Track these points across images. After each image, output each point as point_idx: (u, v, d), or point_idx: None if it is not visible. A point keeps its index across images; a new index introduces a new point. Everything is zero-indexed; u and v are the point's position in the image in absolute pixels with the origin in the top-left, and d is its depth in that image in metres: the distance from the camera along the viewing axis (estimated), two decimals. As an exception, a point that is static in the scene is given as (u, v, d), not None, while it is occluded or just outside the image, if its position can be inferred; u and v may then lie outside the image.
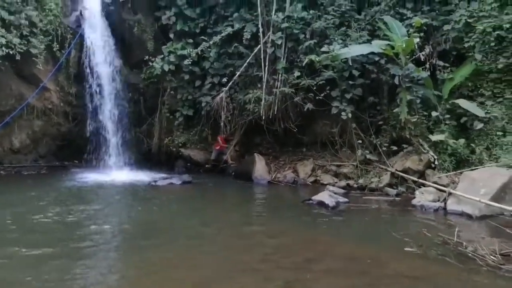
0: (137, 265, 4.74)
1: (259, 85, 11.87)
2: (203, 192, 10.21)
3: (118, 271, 4.62)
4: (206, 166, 13.42)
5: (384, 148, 10.38)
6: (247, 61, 12.03)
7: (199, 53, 12.94)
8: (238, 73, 12.21)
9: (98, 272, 4.53)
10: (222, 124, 12.35)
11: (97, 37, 12.57)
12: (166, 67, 13.09)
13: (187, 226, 6.71)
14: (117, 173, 12.29)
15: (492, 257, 5.01)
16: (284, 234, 6.27)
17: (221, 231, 6.40)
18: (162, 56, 13.20)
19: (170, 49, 13.10)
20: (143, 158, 14.20)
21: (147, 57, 13.10)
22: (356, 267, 4.83)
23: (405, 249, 5.40)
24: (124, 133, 13.67)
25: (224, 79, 12.45)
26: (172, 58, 13.09)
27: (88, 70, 12.46)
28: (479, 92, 9.80)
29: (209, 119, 13.02)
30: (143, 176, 11.90)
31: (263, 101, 11.39)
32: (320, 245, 5.79)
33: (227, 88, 12.25)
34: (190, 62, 12.84)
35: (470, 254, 5.14)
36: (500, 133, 9.04)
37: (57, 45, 11.74)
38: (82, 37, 12.36)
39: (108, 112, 13.12)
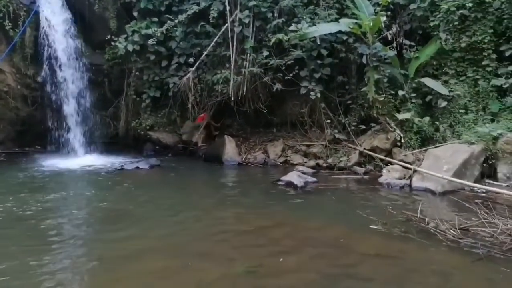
0: (99, 262, 4.49)
1: (227, 65, 11.66)
2: (171, 175, 10.02)
3: (80, 270, 4.35)
4: (180, 146, 13.21)
5: (352, 127, 10.48)
6: (215, 40, 11.76)
7: (165, 32, 12.56)
8: (205, 53, 11.94)
9: (56, 271, 4.23)
10: (190, 105, 12.10)
11: (54, 14, 11.89)
12: (130, 47, 12.66)
13: (154, 212, 6.48)
14: (81, 158, 11.91)
15: (452, 231, 5.15)
16: (252, 216, 6.24)
17: (188, 216, 6.25)
18: (126, 35, 12.75)
19: (134, 28, 12.65)
20: (110, 142, 13.81)
21: (109, 36, 12.62)
22: (321, 248, 4.86)
23: (370, 227, 5.47)
24: (89, 117, 13.23)
25: (191, 59, 12.16)
26: (136, 37, 12.66)
27: (45, 51, 11.80)
28: (443, 70, 9.94)
29: (177, 100, 12.77)
30: (109, 161, 11.56)
31: (231, 81, 11.21)
32: (287, 226, 5.78)
33: (194, 68, 11.97)
34: (155, 42, 12.44)
35: (432, 230, 5.25)
36: (462, 111, 9.25)
37: (10, 23, 11.06)
38: (37, 14, 11.65)
39: (70, 95, 12.59)
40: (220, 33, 11.65)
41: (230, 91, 11.22)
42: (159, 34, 12.51)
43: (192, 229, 5.61)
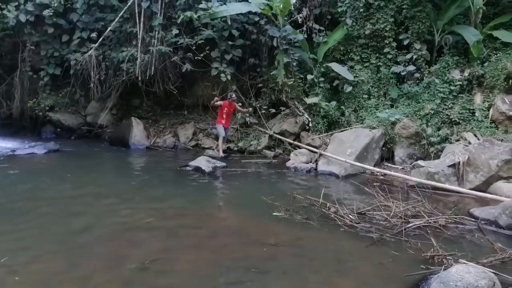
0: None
1: (134, 43, 10.91)
2: (71, 161, 9.16)
3: None
4: (84, 129, 12.22)
5: (263, 111, 10.48)
6: (120, 15, 10.90)
7: (64, 3, 11.39)
8: (110, 28, 11.03)
9: None
10: (92, 85, 11.17)
11: None
12: (23, 18, 11.33)
13: (39, 206, 5.73)
14: (-36, 142, 10.51)
15: (350, 216, 5.28)
16: (153, 207, 5.85)
17: (80, 209, 5.63)
18: (17, 3, 11.33)
19: (27, -5, 11.29)
20: (2, 124, 12.38)
21: (-5, 3, 11.12)
22: (222, 238, 4.68)
23: (273, 214, 5.42)
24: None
25: (94, 34, 11.17)
26: (30, 6, 11.35)
27: None
28: (350, 56, 10.28)
29: (80, 79, 11.76)
30: (1, 145, 10.33)
31: (138, 60, 10.53)
32: (190, 216, 5.51)
33: (97, 44, 11.02)
34: (52, 13, 11.22)
35: (332, 215, 5.34)
36: (366, 96, 9.67)
37: None
38: None
39: None
40: (126, 7, 10.82)
41: (137, 70, 10.55)
42: (57, 4, 11.33)
43: (82, 224, 5.05)
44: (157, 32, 10.54)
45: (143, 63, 10.55)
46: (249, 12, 9.96)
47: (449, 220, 5.21)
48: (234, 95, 9.76)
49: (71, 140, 11.70)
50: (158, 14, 10.55)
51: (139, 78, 10.65)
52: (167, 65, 10.77)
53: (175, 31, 10.35)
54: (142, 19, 10.65)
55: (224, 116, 9.56)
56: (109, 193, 6.54)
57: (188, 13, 9.72)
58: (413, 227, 4.93)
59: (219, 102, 9.56)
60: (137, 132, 10.83)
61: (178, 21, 10.01)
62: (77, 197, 6.22)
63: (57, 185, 6.97)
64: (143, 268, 3.86)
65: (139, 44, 10.60)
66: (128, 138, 10.71)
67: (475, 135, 7.95)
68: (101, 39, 11.07)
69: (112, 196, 6.38)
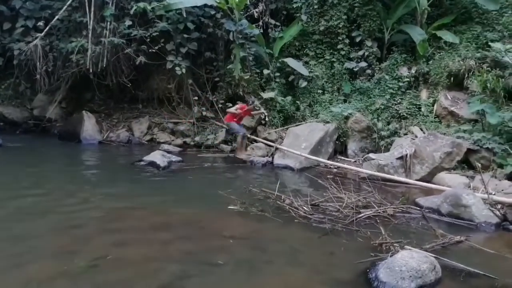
0: None
1: (84, 33, 10.47)
2: (15, 157, 8.66)
3: None
4: (31, 123, 11.51)
5: (220, 105, 10.44)
6: (68, 3, 10.43)
7: (4, -12, 10.74)
8: (57, 17, 10.52)
9: None
10: (38, 76, 10.62)
11: None
12: (-44, 2, 10.55)
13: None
14: None
15: (304, 208, 5.41)
16: (104, 201, 5.67)
17: (24, 204, 5.38)
18: (-50, -14, 10.57)
19: (-39, -22, 10.54)
20: None
21: None
22: (176, 232, 4.64)
23: (229, 207, 5.44)
24: None
25: (41, 23, 10.62)
26: (-35, -10, 10.59)
27: None
28: (305, 52, 10.47)
29: (25, 70, 11.14)
30: None
31: (89, 51, 10.13)
32: (142, 210, 5.39)
33: (43, 34, 10.49)
34: (-9, -1, 10.57)
35: (287, 208, 5.44)
36: (320, 91, 9.90)
37: None
38: None
39: None
40: (75, -4, 10.37)
41: (88, 62, 10.15)
42: (-4, -11, 10.66)
43: (25, 223, 4.79)
44: (109, 23, 10.19)
45: (94, 54, 10.17)
46: (205, 5, 9.87)
47: (397, 210, 5.47)
48: (254, 100, 9.01)
49: (15, 135, 11.08)
50: (110, 4, 10.19)
51: (90, 70, 10.26)
52: (120, 57, 10.45)
53: (128, 22, 10.06)
54: (92, 9, 10.25)
55: (236, 118, 8.83)
56: (56, 190, 6.24)
57: (142, 4, 9.46)
58: (364, 217, 5.14)
59: (243, 108, 8.78)
60: (89, 126, 10.44)
61: (131, 12, 9.72)
62: (20, 194, 5.85)
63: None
64: (93, 264, 3.74)
65: (90, 35, 10.21)
66: (79, 132, 10.30)
67: (421, 129, 8.37)
68: (47, 28, 10.54)
69: (59, 192, 6.10)
